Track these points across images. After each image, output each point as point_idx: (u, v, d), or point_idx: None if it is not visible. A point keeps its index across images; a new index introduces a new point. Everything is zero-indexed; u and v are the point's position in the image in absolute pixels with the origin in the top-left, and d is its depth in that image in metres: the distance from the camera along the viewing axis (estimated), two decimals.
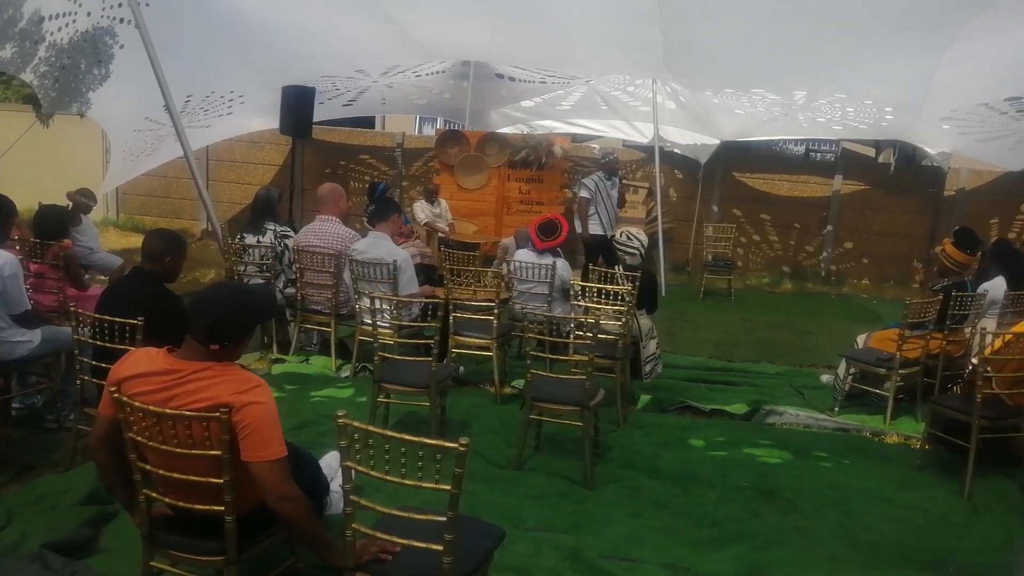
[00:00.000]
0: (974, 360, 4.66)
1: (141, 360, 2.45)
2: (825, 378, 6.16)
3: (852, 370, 5.56)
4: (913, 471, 4.52)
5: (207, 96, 8.64)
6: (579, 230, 8.85)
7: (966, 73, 7.00)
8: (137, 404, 2.35)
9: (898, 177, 11.45)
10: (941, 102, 7.94)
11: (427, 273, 6.96)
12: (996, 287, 5.69)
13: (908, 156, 12.48)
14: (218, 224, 6.79)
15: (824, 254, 11.26)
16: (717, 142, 10.86)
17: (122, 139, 8.63)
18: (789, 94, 8.60)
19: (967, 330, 5.59)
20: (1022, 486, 4.29)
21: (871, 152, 13.69)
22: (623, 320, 5.13)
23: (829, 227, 11.18)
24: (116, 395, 2.37)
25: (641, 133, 11.38)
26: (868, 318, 8.69)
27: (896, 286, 10.69)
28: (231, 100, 9.06)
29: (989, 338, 4.40)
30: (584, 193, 8.84)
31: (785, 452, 4.68)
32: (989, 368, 4.25)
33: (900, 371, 5.21)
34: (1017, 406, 4.30)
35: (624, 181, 9.84)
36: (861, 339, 5.91)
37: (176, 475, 2.42)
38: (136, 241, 6.64)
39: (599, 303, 5.37)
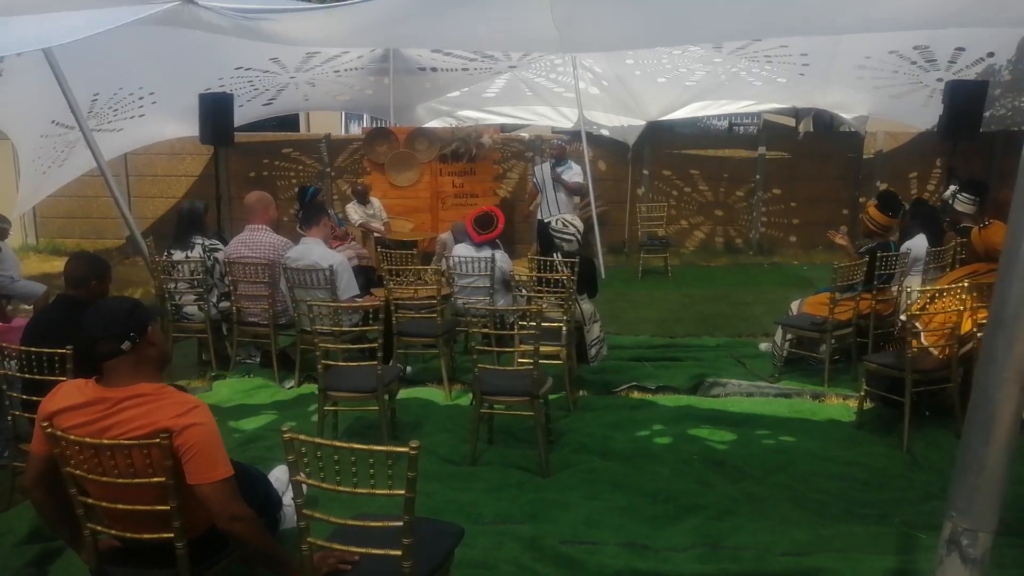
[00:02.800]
0: (903, 317, 4.84)
1: (71, 392, 2.37)
2: (764, 346, 6.32)
3: (788, 336, 5.72)
4: (853, 429, 4.68)
5: (115, 93, 8.31)
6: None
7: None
8: (72, 438, 2.27)
9: (818, 145, 11.79)
10: (854, 48, 8.16)
11: (366, 275, 6.87)
12: (918, 245, 5.92)
13: (826, 123, 12.88)
14: (140, 237, 6.55)
15: (753, 226, 11.53)
16: (643, 123, 10.99)
17: (29, 147, 8.24)
18: (707, 43, 8.65)
19: (894, 289, 5.81)
20: (956, 434, 4.47)
21: (791, 122, 14.07)
22: (565, 306, 5.17)
23: (757, 198, 11.45)
24: (49, 430, 2.29)
25: (567, 118, 11.44)
26: (800, 284, 8.95)
27: (824, 251, 11.00)
28: (142, 99, 8.75)
29: (915, 295, 4.57)
30: (535, 180, 9.31)
31: (730, 427, 4.78)
32: (917, 324, 4.42)
33: (834, 333, 5.38)
34: (946, 358, 4.49)
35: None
36: (795, 305, 6.08)
37: (121, 506, 2.35)
38: (58, 266, 6.38)
39: (540, 292, 5.40)
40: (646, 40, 7.54)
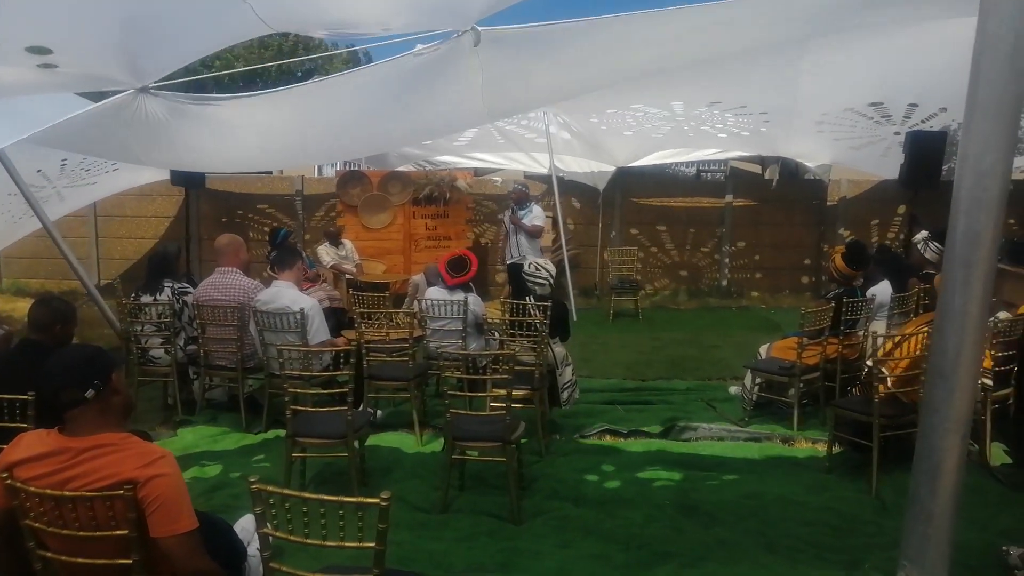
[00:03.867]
0: (869, 362, 4.91)
1: (32, 443, 2.31)
2: (733, 389, 6.36)
3: (757, 380, 5.77)
4: (823, 473, 4.70)
5: (84, 159, 8.28)
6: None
7: (829, 79, 7.42)
8: (32, 489, 2.21)
9: (784, 192, 12.05)
10: (811, 106, 8.40)
11: (337, 317, 6.83)
12: (882, 291, 6.03)
13: (791, 171, 13.15)
14: (95, 291, 6.48)
15: (721, 270, 11.69)
16: (613, 169, 11.16)
17: None
18: (668, 105, 8.89)
19: (860, 334, 5.89)
20: None
21: (757, 169, 14.35)
22: (538, 350, 5.18)
23: (725, 244, 11.63)
24: (8, 481, 2.22)
25: (540, 163, 11.57)
26: (767, 328, 9.05)
27: (790, 295, 11.19)
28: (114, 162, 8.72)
29: (880, 340, 4.65)
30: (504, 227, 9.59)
31: (702, 471, 4.79)
32: (883, 369, 4.49)
33: (802, 378, 5.44)
34: (912, 403, 4.55)
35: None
36: (763, 349, 6.14)
37: (81, 560, 2.28)
38: (23, 307, 6.27)
39: (513, 335, 5.40)
40: (562, 97, 7.75)
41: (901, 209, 10.96)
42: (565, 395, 5.73)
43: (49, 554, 2.31)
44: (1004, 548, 3.47)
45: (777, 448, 5.18)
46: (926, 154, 7.98)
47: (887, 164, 9.43)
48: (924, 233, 6.44)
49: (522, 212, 9.28)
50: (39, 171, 7.63)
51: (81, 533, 2.23)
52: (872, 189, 11.34)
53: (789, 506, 4.24)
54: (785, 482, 4.57)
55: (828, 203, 11.51)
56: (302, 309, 5.31)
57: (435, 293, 6.01)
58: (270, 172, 13.82)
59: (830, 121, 8.83)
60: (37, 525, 2.26)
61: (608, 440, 5.35)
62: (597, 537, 3.87)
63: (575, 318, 8.87)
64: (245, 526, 3.36)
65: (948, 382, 2.05)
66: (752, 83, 7.57)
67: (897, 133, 8.65)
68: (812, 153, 10.55)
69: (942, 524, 2.08)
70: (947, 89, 7.62)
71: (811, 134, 9.37)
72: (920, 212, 8.61)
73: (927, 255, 6.13)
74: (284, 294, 5.46)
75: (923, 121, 8.39)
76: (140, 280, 6.10)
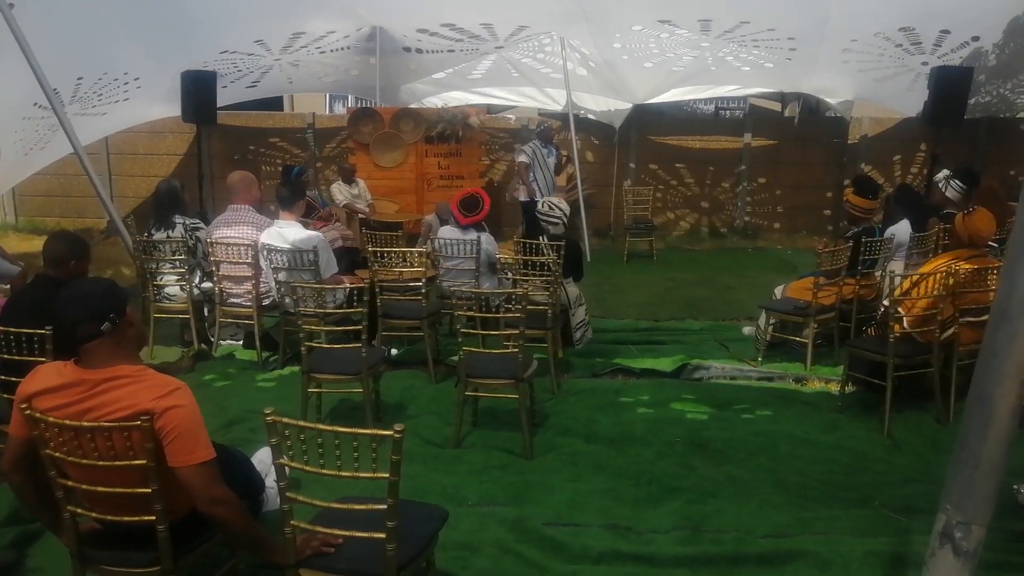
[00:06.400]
0: (886, 302, 4.87)
1: (49, 375, 2.33)
2: (747, 330, 6.35)
3: (772, 320, 5.74)
4: (835, 413, 4.71)
5: (99, 79, 8.20)
6: (521, 196, 9.29)
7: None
8: (52, 420, 2.24)
9: (804, 130, 11.80)
10: (839, 31, 8.16)
11: (350, 256, 6.83)
12: (902, 230, 5.95)
13: (812, 108, 12.89)
14: (120, 221, 6.45)
15: (738, 210, 11.55)
16: (630, 106, 10.95)
17: (10, 128, 8.11)
18: (695, 26, 8.64)
19: (877, 274, 5.84)
20: (936, 419, 4.53)
21: (777, 107, 14.08)
22: (551, 290, 5.16)
23: (742, 183, 11.46)
24: (28, 412, 2.25)
25: (554, 100, 11.38)
26: (784, 269, 8.98)
27: (808, 236, 11.06)
28: (127, 84, 8.63)
29: (898, 280, 4.60)
30: (523, 158, 9.26)
31: (711, 407, 4.81)
32: (900, 309, 4.45)
33: (817, 318, 5.41)
34: (927, 343, 4.52)
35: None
36: (779, 290, 6.10)
37: (101, 488, 2.32)
38: (37, 244, 6.30)
39: (526, 275, 5.39)
40: None
41: (923, 147, 10.73)
42: (578, 335, 5.75)
43: (70, 483, 2.36)
44: (1015, 487, 3.48)
45: (789, 388, 5.19)
46: (951, 90, 7.80)
47: (911, 99, 9.23)
48: (946, 172, 6.30)
49: (546, 150, 9.17)
50: (55, 90, 7.60)
51: (100, 463, 2.26)
52: (894, 127, 11.10)
53: (800, 444, 4.26)
54: (797, 421, 4.59)
55: (849, 142, 11.28)
56: (315, 248, 5.30)
57: (448, 232, 5.98)
58: (280, 108, 13.72)
59: (858, 49, 8.57)
60: (57, 455, 2.30)
61: (620, 380, 5.37)
62: (608, 473, 3.91)
63: (589, 258, 8.84)
64: (262, 458, 3.41)
65: (1012, 326, 1.94)
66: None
67: (925, 63, 8.40)
68: (834, 88, 10.31)
69: (990, 471, 2.02)
70: (982, 16, 7.35)
71: (836, 65, 9.13)
72: (942, 151, 8.44)
73: (948, 194, 6.01)
74: (288, 232, 5.44)
75: (953, 51, 8.14)
76: (151, 217, 6.08)
